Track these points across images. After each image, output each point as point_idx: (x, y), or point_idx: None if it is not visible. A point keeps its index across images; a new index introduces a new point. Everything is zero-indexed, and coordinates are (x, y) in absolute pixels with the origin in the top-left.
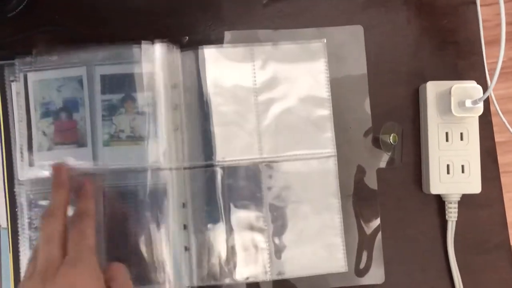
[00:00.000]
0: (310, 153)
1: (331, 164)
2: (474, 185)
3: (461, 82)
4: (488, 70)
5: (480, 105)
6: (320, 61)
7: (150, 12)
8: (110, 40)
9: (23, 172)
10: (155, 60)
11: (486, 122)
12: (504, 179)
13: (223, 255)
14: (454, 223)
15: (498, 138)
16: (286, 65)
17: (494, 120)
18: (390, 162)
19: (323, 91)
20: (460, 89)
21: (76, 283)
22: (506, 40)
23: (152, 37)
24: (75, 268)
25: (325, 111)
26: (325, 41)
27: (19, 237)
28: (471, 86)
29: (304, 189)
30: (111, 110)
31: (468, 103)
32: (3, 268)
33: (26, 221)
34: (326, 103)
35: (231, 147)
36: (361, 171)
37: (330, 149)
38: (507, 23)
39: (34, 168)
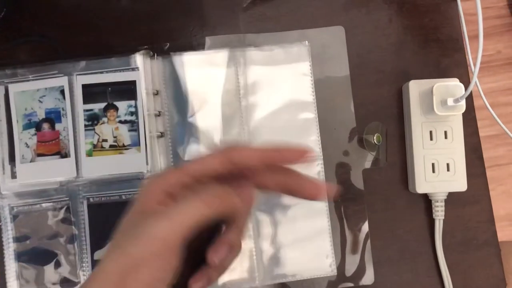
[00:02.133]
0: None
1: (318, 167)
2: (460, 183)
3: (443, 80)
4: (474, 65)
5: (463, 103)
6: (304, 64)
7: (131, 19)
8: (92, 49)
9: (5, 185)
10: (136, 68)
11: (470, 118)
12: (494, 173)
13: None
14: (442, 221)
15: (487, 132)
16: (269, 68)
17: (483, 114)
18: (375, 162)
19: (308, 94)
20: (442, 88)
21: None
22: (493, 33)
23: (133, 44)
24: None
25: (310, 114)
26: (307, 43)
27: (4, 251)
28: (453, 84)
29: None
30: (93, 120)
31: (450, 102)
32: None
33: (10, 234)
34: (311, 106)
35: None
36: (346, 172)
37: (316, 152)
38: (494, 17)
39: (16, 181)
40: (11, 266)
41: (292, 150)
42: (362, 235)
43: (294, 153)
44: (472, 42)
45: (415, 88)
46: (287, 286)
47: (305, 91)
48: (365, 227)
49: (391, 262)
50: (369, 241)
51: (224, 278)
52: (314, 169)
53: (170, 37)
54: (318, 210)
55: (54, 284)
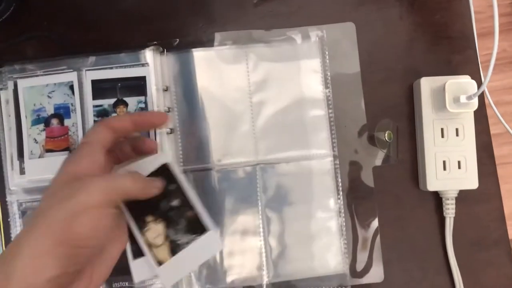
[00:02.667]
0: (306, 154)
1: (328, 165)
2: (471, 180)
3: (455, 77)
4: (481, 62)
5: (475, 100)
6: (315, 61)
7: (140, 15)
8: (101, 45)
9: (14, 181)
10: (146, 64)
11: (481, 116)
12: (500, 171)
13: (220, 259)
14: (452, 219)
15: (493, 130)
16: (279, 65)
17: (488, 112)
18: (386, 159)
19: (319, 91)
20: (454, 85)
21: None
22: (499, 31)
23: (142, 40)
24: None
25: (321, 111)
26: (318, 39)
27: None
28: (465, 82)
29: (301, 190)
30: (103, 116)
31: (463, 99)
32: None
33: (19, 230)
34: (321, 103)
35: (227, 150)
36: (356, 169)
37: (326, 149)
38: (499, 15)
39: (25, 177)
40: None
41: (154, 114)
42: (372, 233)
43: (156, 116)
44: (479, 40)
45: (427, 85)
46: (296, 283)
47: (316, 88)
48: (375, 225)
49: (401, 260)
50: (379, 239)
51: (233, 275)
52: (326, 166)
53: (179, 33)
54: (327, 207)
55: None
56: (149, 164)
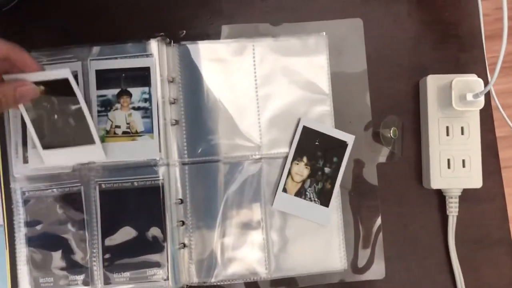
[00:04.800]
0: None
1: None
2: (475, 179)
3: (462, 76)
4: (488, 65)
5: (482, 99)
6: (321, 56)
7: (147, 6)
8: (106, 35)
9: (18, 169)
10: (150, 54)
11: (486, 116)
12: (504, 174)
13: (221, 252)
14: (455, 218)
15: (498, 133)
16: (286, 59)
17: (494, 115)
18: (390, 156)
19: (324, 86)
20: (461, 83)
21: None
22: (507, 34)
23: (149, 31)
24: None
25: (326, 107)
26: (325, 34)
27: (15, 234)
28: (473, 80)
29: None
30: (106, 106)
31: (469, 97)
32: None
33: (22, 218)
34: (326, 98)
35: (232, 143)
36: (360, 166)
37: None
38: (508, 17)
39: (28, 165)
40: (22, 251)
41: (29, 61)
42: (374, 230)
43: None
44: (485, 42)
45: (433, 82)
46: (297, 279)
47: (322, 83)
48: (378, 222)
49: (403, 258)
50: (381, 235)
51: (234, 268)
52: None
53: (186, 25)
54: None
55: (62, 269)
56: (44, 75)
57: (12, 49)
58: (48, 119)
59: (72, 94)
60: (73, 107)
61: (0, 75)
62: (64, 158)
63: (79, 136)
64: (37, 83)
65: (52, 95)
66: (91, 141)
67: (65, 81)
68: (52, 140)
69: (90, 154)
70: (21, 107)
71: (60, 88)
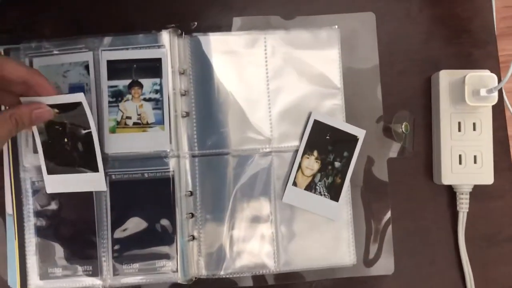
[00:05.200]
0: None
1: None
2: (486, 176)
3: (476, 71)
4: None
5: (495, 94)
6: (333, 50)
7: None
8: (118, 26)
9: (28, 158)
10: (162, 46)
11: (499, 112)
12: None
13: (230, 245)
14: (466, 214)
15: (509, 131)
16: (298, 52)
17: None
18: (401, 151)
19: (336, 80)
20: (474, 78)
21: None
22: None
23: (161, 22)
24: None
25: (337, 101)
26: (337, 28)
27: (25, 224)
28: (486, 75)
29: None
30: (117, 97)
31: (483, 92)
32: (9, 255)
33: (31, 208)
34: (338, 92)
35: (243, 136)
36: (371, 161)
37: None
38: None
39: (37, 155)
40: (31, 241)
41: (47, 85)
42: (384, 225)
43: (46, 87)
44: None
45: (445, 78)
46: (305, 274)
47: (333, 77)
48: (388, 217)
49: (412, 253)
50: (390, 231)
51: (242, 261)
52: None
53: (198, 17)
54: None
55: (71, 260)
56: (60, 99)
57: (32, 74)
58: (58, 142)
59: (84, 117)
60: (83, 131)
61: (17, 98)
62: (66, 186)
63: (85, 162)
64: (52, 106)
65: (65, 118)
66: (95, 169)
67: (79, 104)
68: (58, 164)
69: (93, 183)
70: (34, 129)
71: (73, 112)
